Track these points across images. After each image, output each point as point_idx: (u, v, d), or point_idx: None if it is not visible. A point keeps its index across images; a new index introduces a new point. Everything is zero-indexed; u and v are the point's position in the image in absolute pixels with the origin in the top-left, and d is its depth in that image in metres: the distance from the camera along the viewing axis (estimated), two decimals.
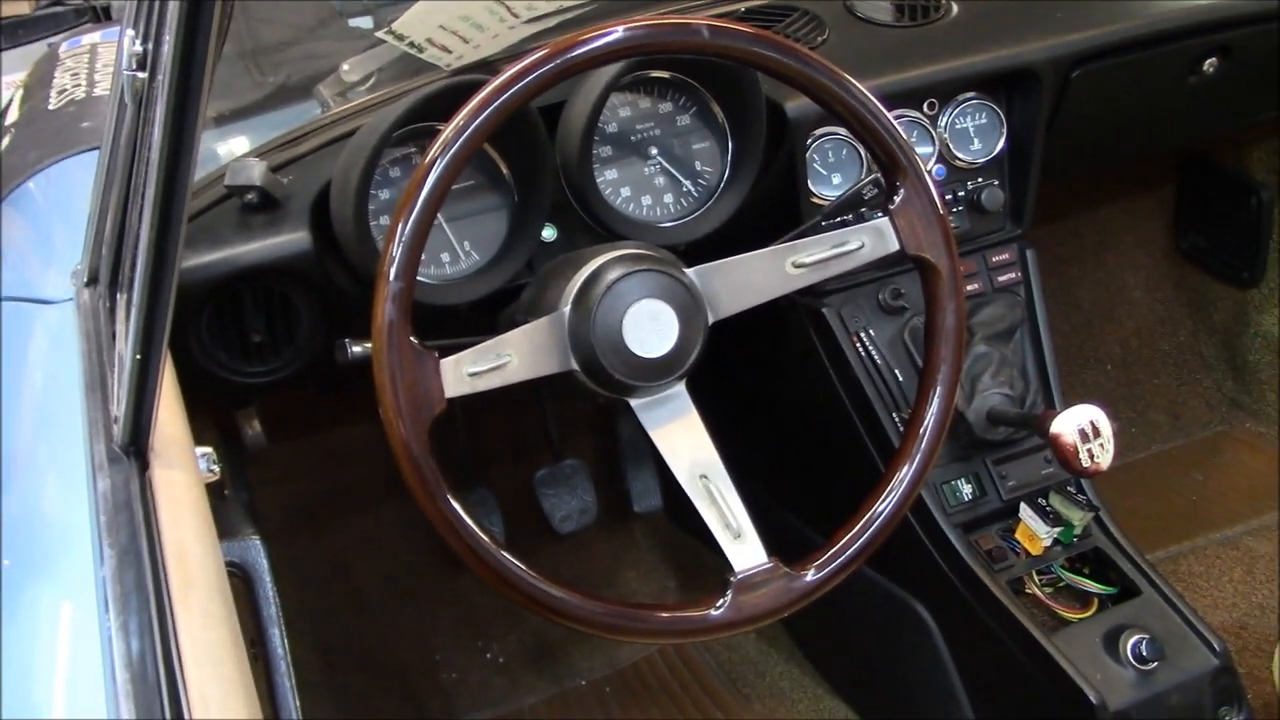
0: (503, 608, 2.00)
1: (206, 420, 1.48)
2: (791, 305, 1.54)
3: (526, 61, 1.03)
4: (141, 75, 0.85)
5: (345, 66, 1.62)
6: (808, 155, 1.47)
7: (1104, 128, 1.69)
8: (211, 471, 1.01)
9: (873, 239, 1.13)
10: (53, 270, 1.34)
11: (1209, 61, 1.65)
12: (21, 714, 0.77)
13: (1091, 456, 1.26)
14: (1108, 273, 2.31)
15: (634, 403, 1.12)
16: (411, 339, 1.00)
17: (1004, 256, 1.58)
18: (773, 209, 1.49)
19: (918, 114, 1.52)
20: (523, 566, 1.02)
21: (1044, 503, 1.47)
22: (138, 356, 0.82)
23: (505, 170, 1.33)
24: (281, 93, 1.77)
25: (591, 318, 1.07)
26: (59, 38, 2.04)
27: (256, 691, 0.79)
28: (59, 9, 2.10)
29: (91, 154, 1.50)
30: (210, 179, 1.28)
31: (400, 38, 1.32)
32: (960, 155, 1.54)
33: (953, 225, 1.52)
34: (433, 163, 1.01)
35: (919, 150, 1.50)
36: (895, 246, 1.13)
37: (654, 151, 1.39)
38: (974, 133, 1.55)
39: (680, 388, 1.12)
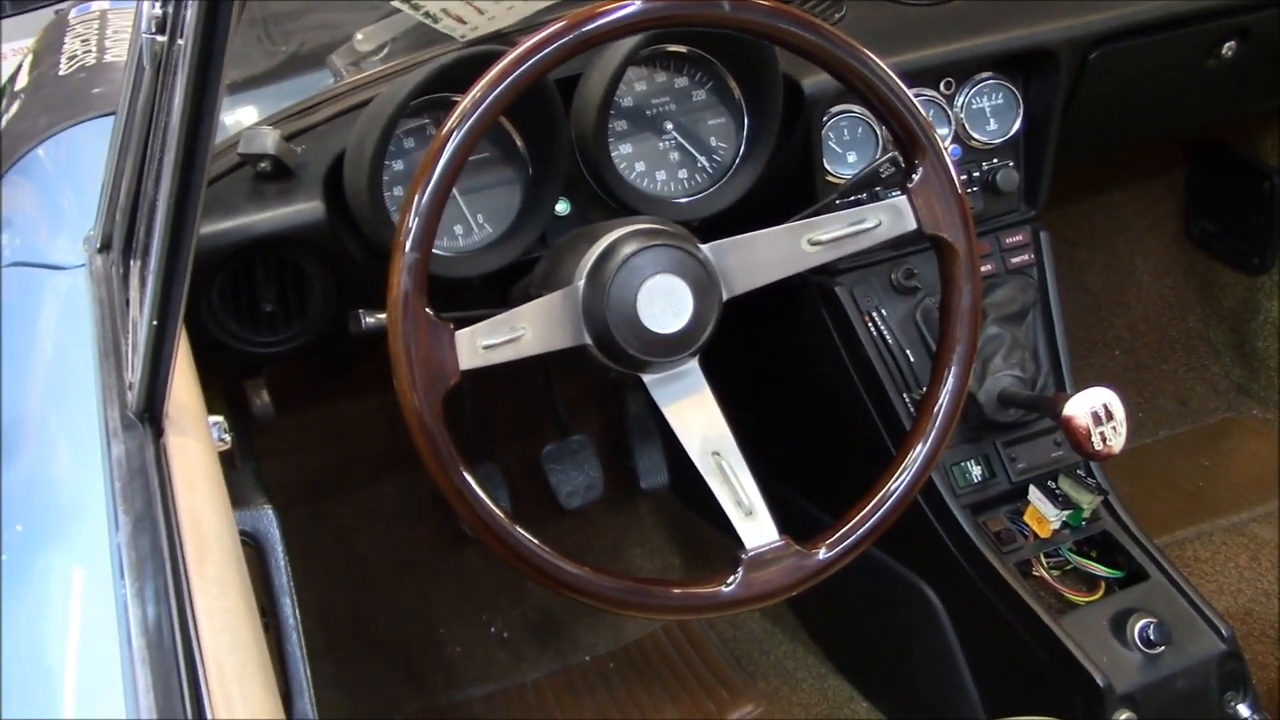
0: (506, 582, 2.00)
1: (215, 390, 1.47)
2: (804, 284, 1.53)
3: (545, 33, 1.02)
4: (161, 39, 0.84)
5: (359, 36, 1.60)
6: (824, 133, 1.46)
7: (1121, 110, 1.68)
8: (223, 440, 1.01)
9: (890, 217, 1.13)
10: (63, 236, 1.33)
11: (1227, 45, 1.64)
12: (36, 679, 0.77)
13: (1104, 439, 1.26)
14: (1117, 257, 2.30)
15: (647, 378, 1.12)
16: (427, 310, 0.99)
17: (1018, 238, 1.57)
18: (788, 186, 1.49)
19: (934, 93, 1.51)
20: (535, 541, 1.02)
21: (1053, 485, 1.46)
22: (154, 323, 0.82)
23: (520, 143, 1.33)
24: (294, 62, 1.75)
25: (606, 292, 1.07)
26: (68, 3, 2.03)
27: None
28: None
29: (103, 120, 1.50)
30: (223, 147, 1.27)
31: (415, 7, 1.31)
32: (976, 135, 1.53)
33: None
34: (449, 134, 1.00)
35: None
36: (913, 225, 1.12)
37: (669, 127, 1.38)
38: (990, 113, 1.54)
39: (693, 364, 1.12)
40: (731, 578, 1.05)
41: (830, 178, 1.46)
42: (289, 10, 1.84)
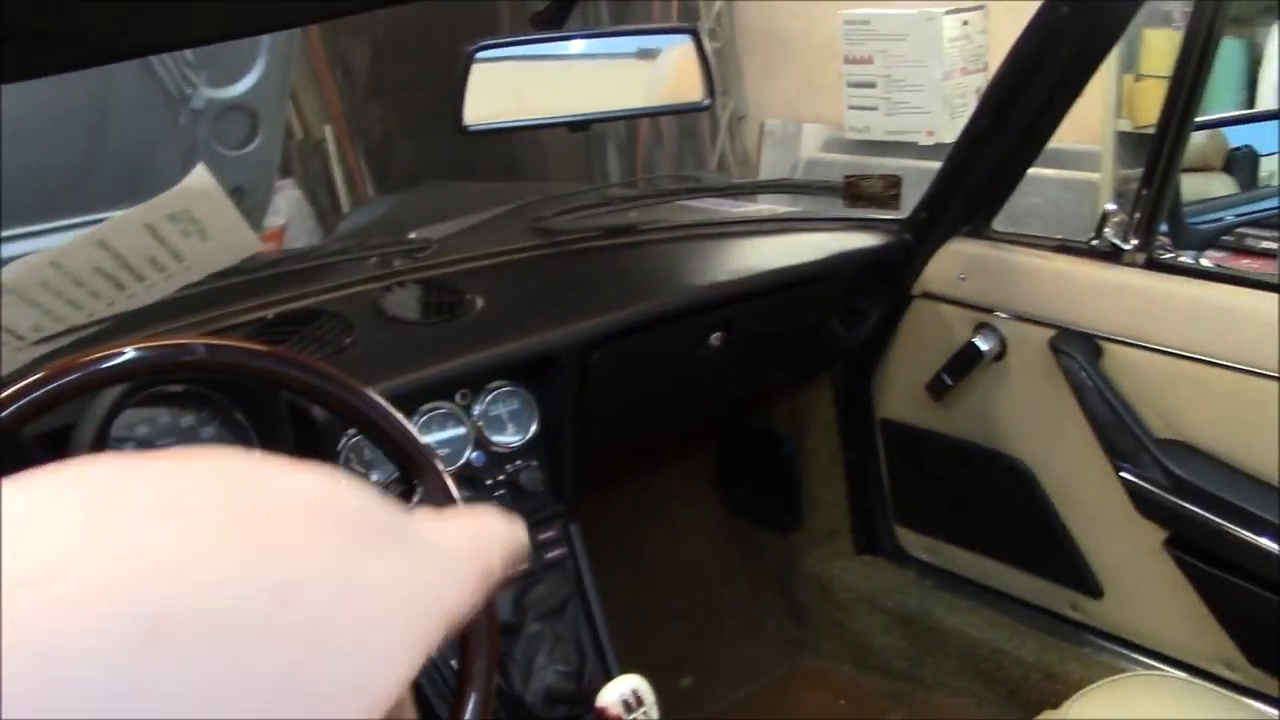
0: None
1: None
2: None
3: (9, 391, 0.98)
4: None
5: None
6: (343, 455, 1.47)
7: (631, 402, 1.81)
8: None
9: None
10: None
11: (714, 336, 1.81)
12: None
13: None
14: (668, 532, 2.43)
15: None
16: None
17: (550, 534, 1.63)
18: None
19: (451, 405, 1.56)
20: None
21: None
22: None
23: None
24: None
25: None
26: None
27: None
28: None
29: None
30: None
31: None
32: (496, 440, 1.59)
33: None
34: None
35: (454, 435, 1.55)
36: None
37: None
38: (508, 417, 1.61)
39: None
40: None
41: None
42: None
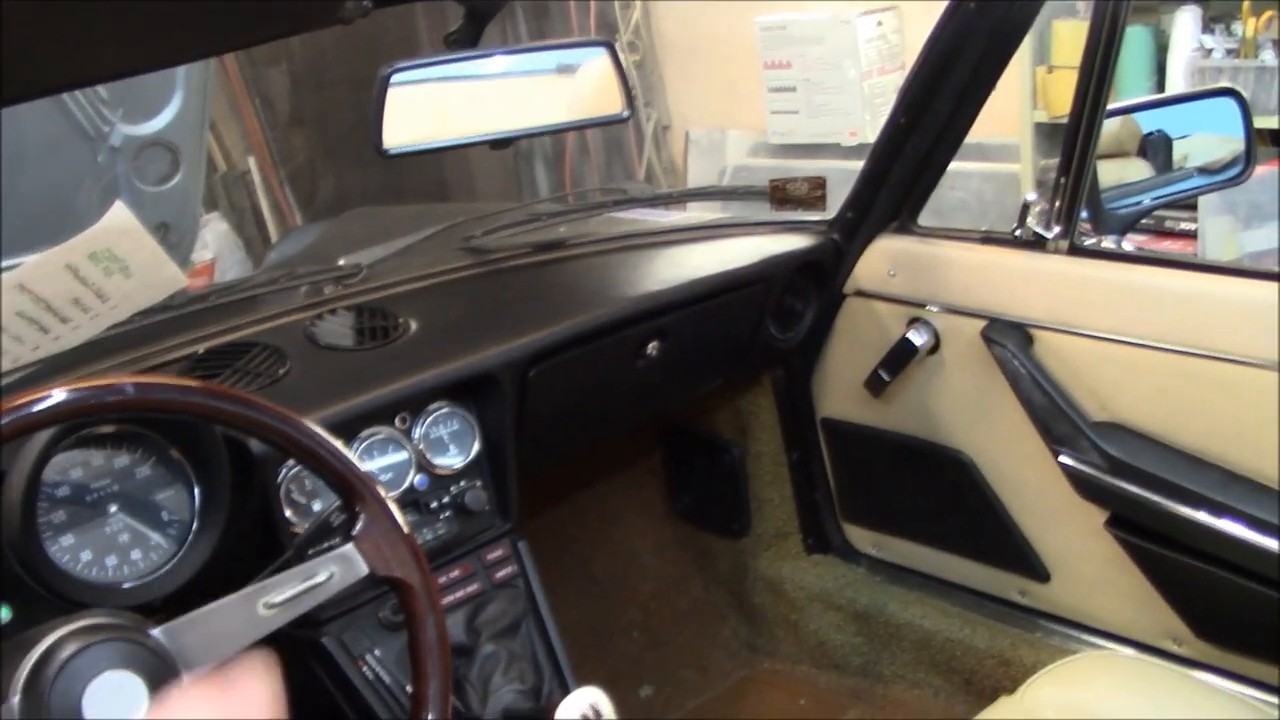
0: None
1: None
2: (289, 639, 1.48)
3: None
4: None
5: None
6: (286, 486, 1.45)
7: (571, 416, 1.80)
8: None
9: (342, 567, 1.12)
10: None
11: (651, 345, 1.82)
12: None
13: None
14: (617, 544, 2.43)
15: None
16: None
17: (499, 553, 1.61)
18: (257, 546, 1.45)
19: (391, 429, 1.55)
20: None
21: None
22: None
23: None
24: None
25: (45, 703, 0.97)
26: None
27: None
28: None
29: None
30: None
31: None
32: (438, 462, 1.58)
33: (441, 531, 1.57)
34: None
35: (396, 460, 1.54)
36: (365, 571, 1.13)
37: (114, 509, 1.32)
38: (449, 439, 1.60)
39: None
40: None
41: (295, 531, 1.44)
42: None
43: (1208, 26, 3.44)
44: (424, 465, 1.57)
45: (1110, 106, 1.74)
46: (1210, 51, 3.43)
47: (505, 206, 2.30)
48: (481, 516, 1.61)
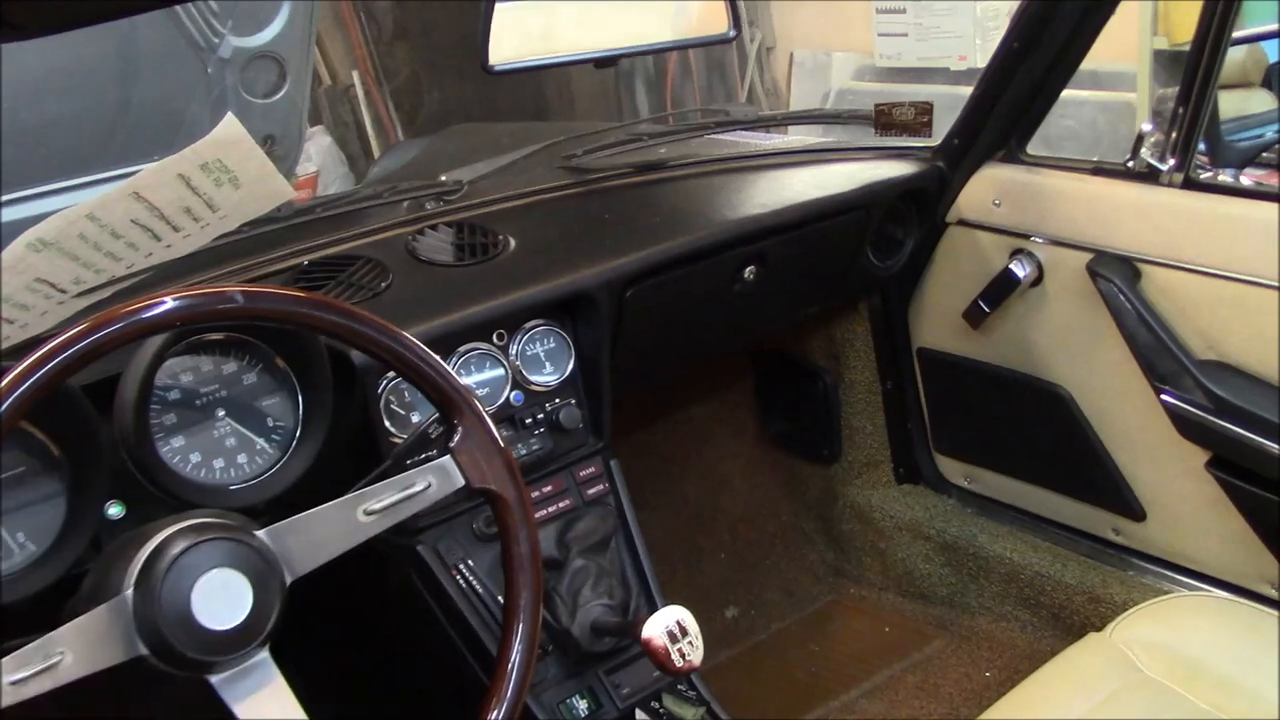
0: None
1: None
2: (387, 547, 1.52)
3: (53, 343, 1.00)
4: None
5: None
6: (385, 397, 1.49)
7: (666, 338, 1.81)
8: None
9: (439, 478, 1.15)
10: None
11: (748, 269, 1.81)
12: None
13: (683, 655, 1.31)
14: (708, 465, 2.44)
15: (214, 679, 1.06)
16: None
17: (590, 470, 1.64)
18: (356, 454, 1.49)
19: (488, 345, 1.57)
20: None
21: (657, 705, 1.50)
22: None
23: (56, 451, 1.27)
24: None
25: (157, 597, 1.02)
26: None
27: None
28: None
29: None
30: None
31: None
32: (534, 379, 1.60)
33: (535, 446, 1.59)
34: None
35: (493, 376, 1.56)
36: (461, 482, 1.15)
37: (221, 413, 1.36)
38: (545, 357, 1.62)
39: (263, 655, 1.08)
40: None
41: (394, 440, 1.48)
42: None
43: None
44: (520, 382, 1.59)
45: (1236, 34, 1.67)
46: None
47: (606, 126, 2.29)
48: (575, 434, 1.63)
